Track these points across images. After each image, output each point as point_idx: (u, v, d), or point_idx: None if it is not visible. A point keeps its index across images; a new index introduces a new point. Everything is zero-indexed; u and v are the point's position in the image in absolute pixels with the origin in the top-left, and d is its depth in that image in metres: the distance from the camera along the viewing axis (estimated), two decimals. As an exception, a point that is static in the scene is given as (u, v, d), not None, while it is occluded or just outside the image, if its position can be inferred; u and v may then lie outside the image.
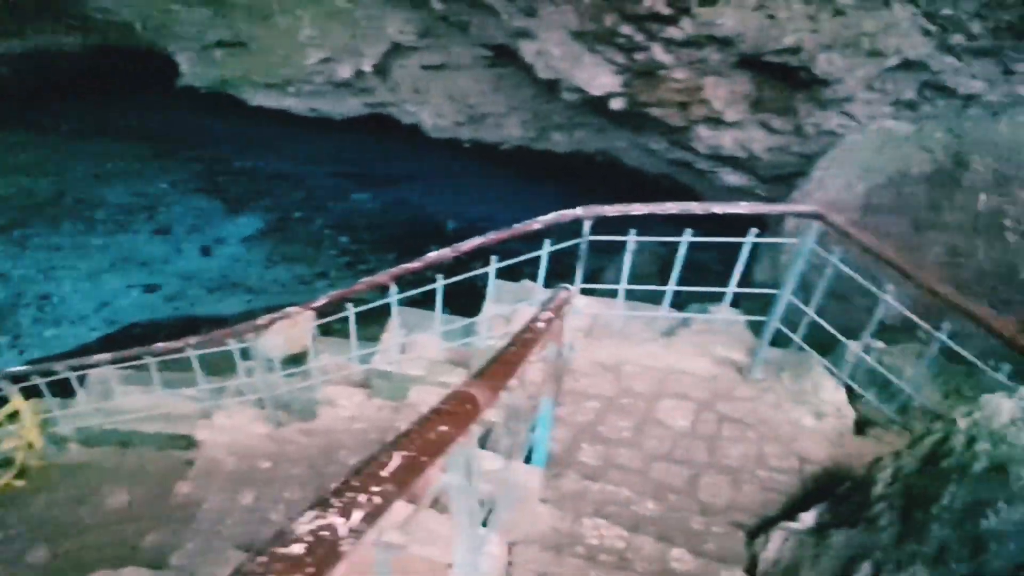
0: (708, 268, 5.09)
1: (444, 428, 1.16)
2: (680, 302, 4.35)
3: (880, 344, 3.82)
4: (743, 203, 3.57)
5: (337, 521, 0.82)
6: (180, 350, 4.43)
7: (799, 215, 3.67)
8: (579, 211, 3.63)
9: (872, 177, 6.19)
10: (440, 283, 3.85)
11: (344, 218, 11.49)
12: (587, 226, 3.69)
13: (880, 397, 3.48)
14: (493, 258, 3.92)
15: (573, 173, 11.14)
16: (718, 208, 3.51)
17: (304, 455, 4.15)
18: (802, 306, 3.53)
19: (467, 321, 4.33)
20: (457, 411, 1.25)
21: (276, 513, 3.62)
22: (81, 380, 5.20)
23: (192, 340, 4.41)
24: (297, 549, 0.76)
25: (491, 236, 3.78)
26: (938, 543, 2.15)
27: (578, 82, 7.69)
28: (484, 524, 2.22)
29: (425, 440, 1.10)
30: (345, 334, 4.28)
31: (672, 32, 6.52)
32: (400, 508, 1.95)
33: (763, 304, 3.86)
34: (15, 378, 4.92)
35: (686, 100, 7.37)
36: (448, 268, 3.88)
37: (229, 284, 10.08)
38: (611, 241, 3.68)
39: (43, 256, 10.30)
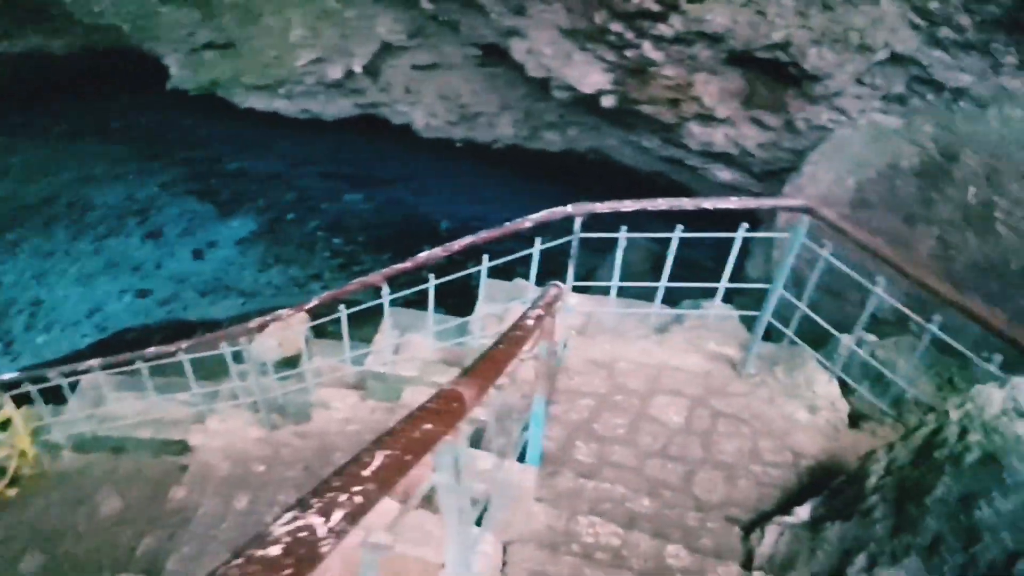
0: (701, 265, 5.10)
1: (429, 426, 1.15)
2: (673, 299, 4.34)
3: (873, 337, 3.82)
4: (733, 198, 3.57)
5: (316, 521, 0.81)
6: (172, 354, 4.40)
7: (789, 209, 3.67)
8: (569, 208, 3.63)
9: (863, 171, 6.20)
10: (432, 283, 3.84)
11: (337, 219, 11.45)
12: (578, 223, 3.69)
13: (873, 390, 3.48)
14: (484, 257, 3.91)
15: (566, 172, 11.13)
16: (708, 203, 3.51)
17: (299, 458, 4.13)
18: (794, 300, 3.54)
19: (460, 321, 4.32)
20: (443, 409, 1.24)
21: (271, 516, 3.60)
22: (73, 387, 5.17)
23: (184, 344, 4.39)
24: (275, 551, 0.74)
25: (482, 235, 3.77)
26: (932, 534, 2.15)
27: (569, 80, 7.68)
28: (479, 524, 2.21)
29: (409, 439, 1.08)
30: (338, 336, 4.26)
31: (662, 29, 6.51)
32: (391, 508, 1.94)
33: (756, 299, 3.86)
34: (7, 386, 4.88)
35: (677, 97, 7.36)
36: (441, 268, 3.86)
37: (222, 287, 10.04)
38: (604, 239, 3.67)
39: (34, 261, 10.24)
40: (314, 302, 4.13)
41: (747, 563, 2.67)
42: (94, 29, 10.53)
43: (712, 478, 3.20)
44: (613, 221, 3.59)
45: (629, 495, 3.01)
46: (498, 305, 4.33)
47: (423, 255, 3.82)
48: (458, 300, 5.27)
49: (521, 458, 3.05)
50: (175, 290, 9.93)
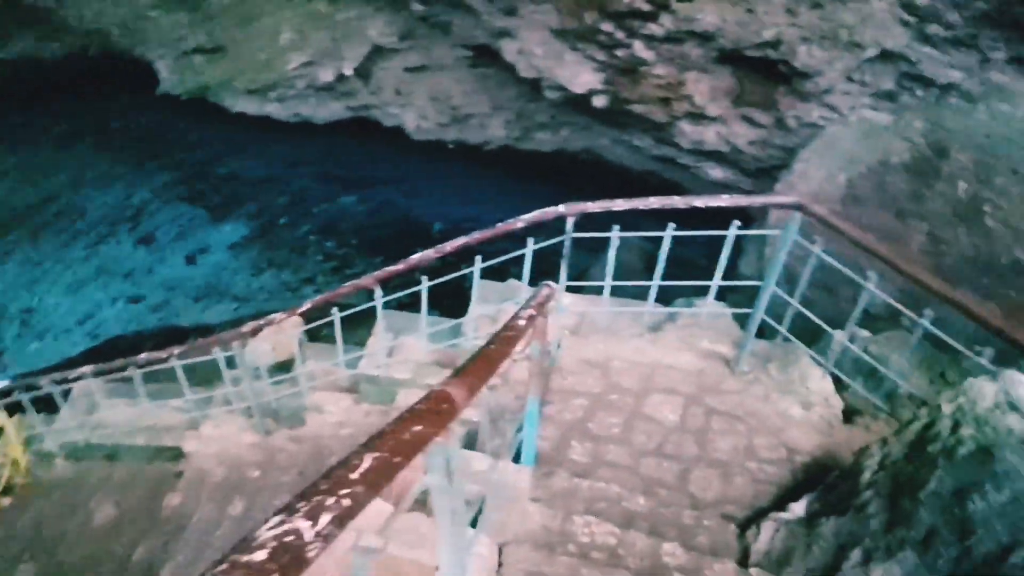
0: (694, 263, 5.11)
1: (419, 428, 1.14)
2: (666, 297, 4.35)
3: (865, 333, 3.84)
4: (725, 196, 3.58)
5: (303, 525, 0.80)
6: (165, 360, 4.38)
7: (780, 206, 3.68)
8: (561, 208, 3.62)
9: (854, 167, 6.23)
10: (425, 285, 3.83)
11: (330, 222, 11.41)
12: (570, 223, 3.69)
13: (867, 385, 3.49)
14: (477, 258, 3.90)
15: (558, 172, 11.13)
16: (700, 201, 3.51)
17: (293, 462, 4.12)
18: (787, 297, 3.54)
19: (453, 322, 4.31)
20: (433, 410, 1.23)
21: (265, 521, 3.59)
22: (65, 394, 5.13)
23: (177, 350, 4.36)
24: (260, 555, 0.73)
25: (475, 236, 3.76)
26: (926, 528, 2.16)
27: (560, 80, 7.69)
28: (474, 525, 2.20)
29: (399, 440, 1.08)
30: (332, 339, 4.25)
31: (652, 28, 6.53)
32: (384, 511, 1.93)
33: (749, 297, 3.86)
34: (-3, 394, 4.85)
35: (668, 96, 7.38)
36: (434, 269, 3.85)
37: (215, 292, 9.99)
38: (596, 238, 3.67)
39: (25, 269, 10.17)
40: (307, 306, 4.11)
41: (743, 560, 2.68)
42: (86, 34, 10.48)
43: (707, 476, 3.20)
44: (605, 220, 3.59)
45: (624, 494, 3.01)
46: (491, 306, 4.32)
47: (416, 257, 3.80)
48: (451, 302, 5.26)
49: (516, 459, 3.04)
50: (167, 296, 9.88)
